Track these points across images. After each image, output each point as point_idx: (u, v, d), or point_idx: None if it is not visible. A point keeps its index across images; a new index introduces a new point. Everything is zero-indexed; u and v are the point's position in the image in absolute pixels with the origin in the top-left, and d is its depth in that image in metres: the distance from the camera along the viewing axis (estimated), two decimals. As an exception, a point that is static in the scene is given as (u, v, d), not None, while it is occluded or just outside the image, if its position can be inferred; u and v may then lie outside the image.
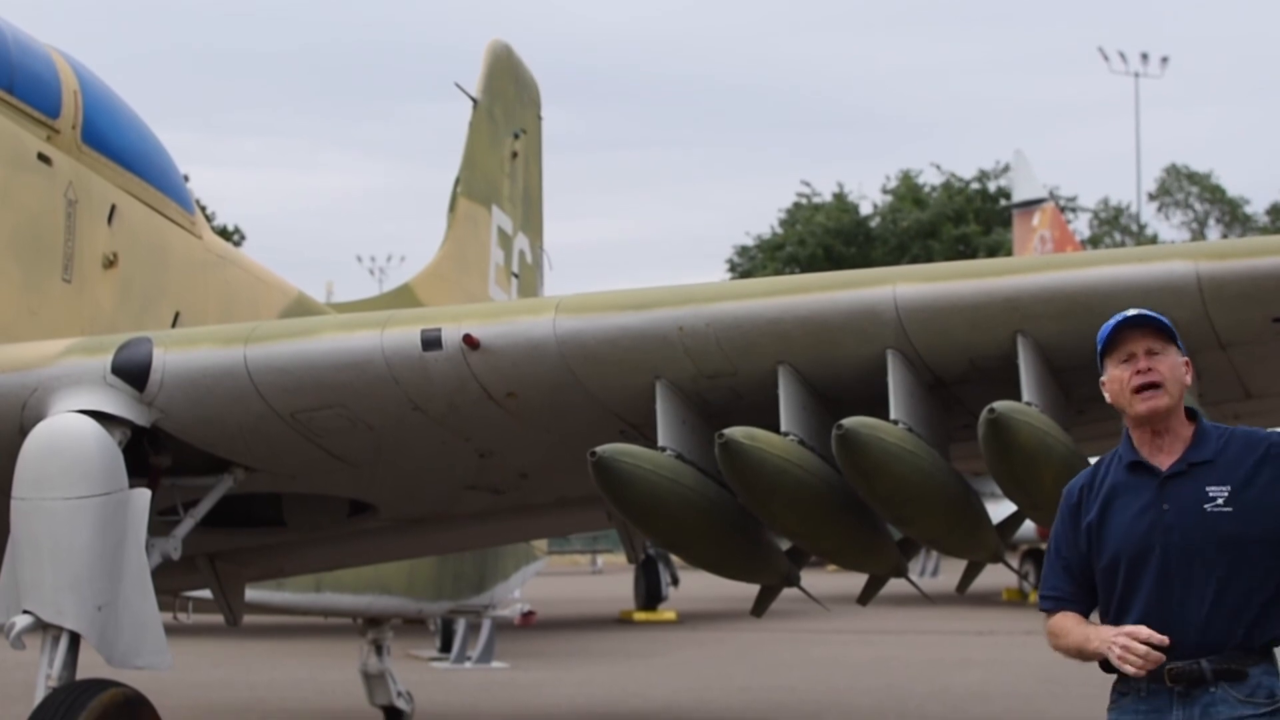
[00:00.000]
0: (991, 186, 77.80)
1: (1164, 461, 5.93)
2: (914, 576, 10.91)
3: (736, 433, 8.60)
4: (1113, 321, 6.00)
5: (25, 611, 8.98)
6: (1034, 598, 36.83)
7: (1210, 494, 5.83)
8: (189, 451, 9.80)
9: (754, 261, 77.34)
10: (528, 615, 27.99)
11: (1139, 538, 5.86)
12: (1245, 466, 5.87)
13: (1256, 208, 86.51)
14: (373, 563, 14.47)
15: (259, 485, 10.48)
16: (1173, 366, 5.94)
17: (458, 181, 16.97)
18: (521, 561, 18.19)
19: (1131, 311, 6.01)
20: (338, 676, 21.26)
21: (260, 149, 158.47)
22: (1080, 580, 6.05)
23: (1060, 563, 6.11)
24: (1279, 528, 5.82)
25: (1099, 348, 6.03)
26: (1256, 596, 5.79)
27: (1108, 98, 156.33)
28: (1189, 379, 6.02)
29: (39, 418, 9.29)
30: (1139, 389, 5.90)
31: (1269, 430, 6.18)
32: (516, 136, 17.97)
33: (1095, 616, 6.08)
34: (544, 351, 9.17)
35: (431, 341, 9.20)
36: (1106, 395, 6.07)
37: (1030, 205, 56.21)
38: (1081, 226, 79.08)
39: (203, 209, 13.27)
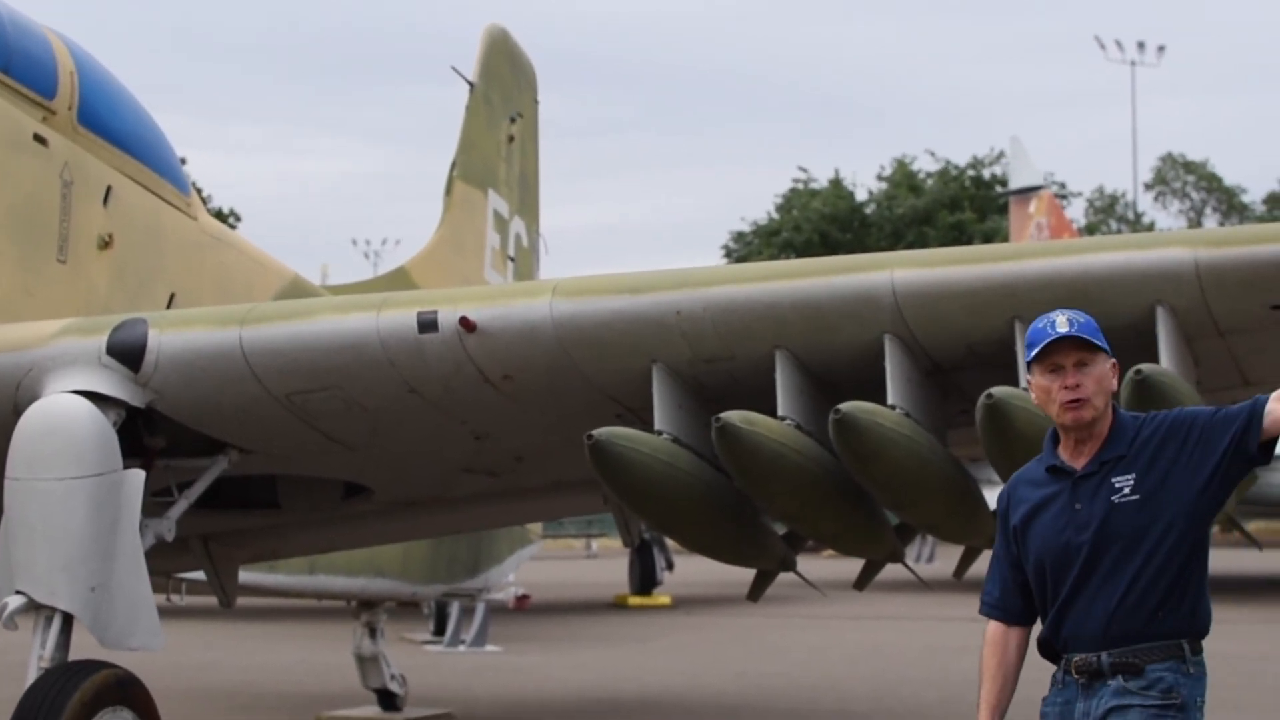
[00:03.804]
0: (987, 174, 77.79)
1: (1081, 462, 5.97)
2: (910, 562, 10.91)
3: (733, 417, 8.59)
4: (1043, 334, 5.96)
5: (18, 592, 8.99)
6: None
7: (1117, 485, 5.87)
8: (184, 433, 9.80)
9: (750, 247, 77.31)
10: (522, 599, 27.99)
11: (1055, 539, 5.92)
12: (1150, 450, 5.91)
13: (1253, 196, 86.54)
14: (367, 545, 14.46)
15: (253, 467, 10.48)
16: (1099, 377, 5.96)
17: (454, 165, 16.94)
18: (516, 545, 18.17)
19: (1060, 324, 5.95)
20: (331, 659, 21.25)
21: (256, 132, 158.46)
22: (1013, 584, 6.12)
23: (996, 566, 6.20)
24: (1182, 510, 5.84)
25: (1028, 354, 6.04)
26: (1160, 585, 5.81)
27: (1104, 86, 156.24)
28: (1115, 383, 6.04)
29: (34, 398, 9.29)
30: (1066, 403, 5.93)
31: (1178, 409, 6.19)
32: (513, 120, 17.94)
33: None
34: (540, 334, 9.16)
35: (428, 324, 9.19)
36: (1032, 397, 6.14)
37: (1027, 192, 56.27)
38: (1075, 214, 79.08)
39: (199, 191, 13.24)
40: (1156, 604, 5.82)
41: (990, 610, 6.18)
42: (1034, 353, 5.99)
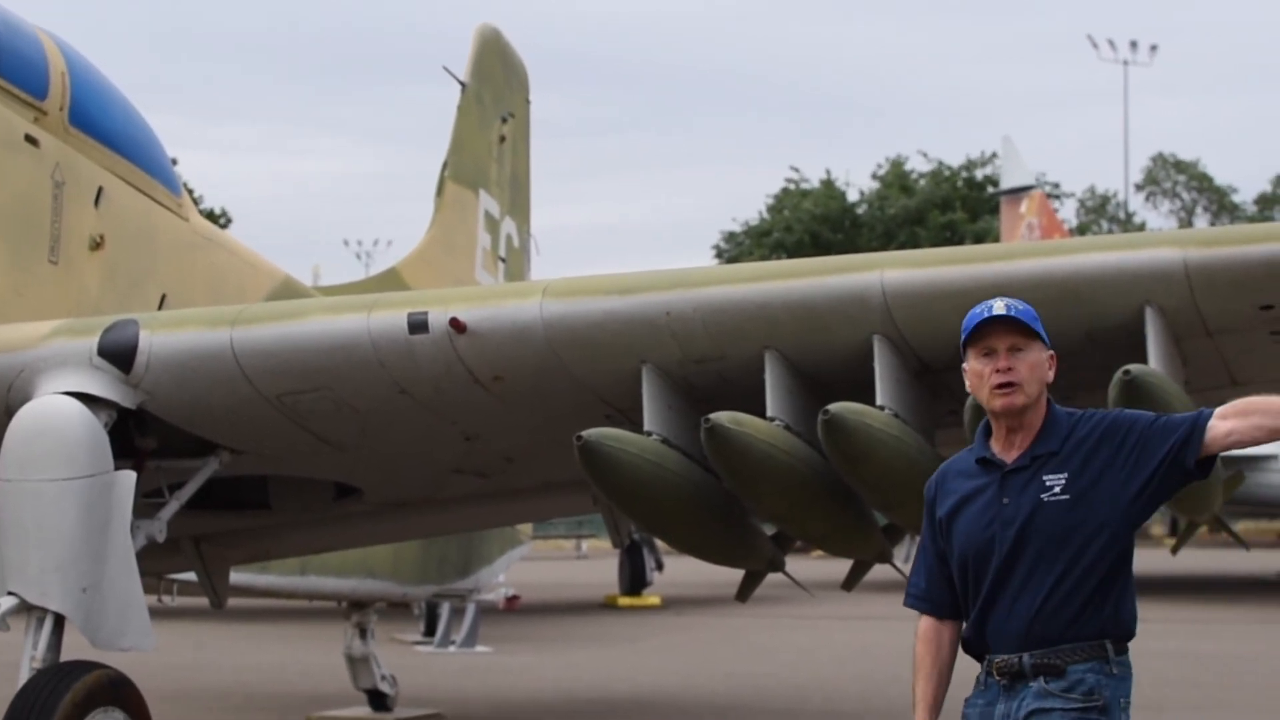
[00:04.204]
0: (979, 174, 77.85)
1: (1012, 455, 5.87)
2: (899, 562, 10.92)
3: (722, 417, 8.61)
4: (978, 316, 5.89)
5: (10, 593, 9.01)
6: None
7: (1048, 483, 5.77)
8: (175, 434, 9.81)
9: (741, 247, 77.31)
10: (512, 599, 28.02)
11: (981, 533, 5.80)
12: (1084, 450, 5.81)
13: (1244, 196, 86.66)
14: (358, 546, 14.47)
15: (245, 468, 10.49)
16: (1034, 365, 5.86)
17: (445, 165, 16.95)
18: (506, 545, 18.19)
19: (998, 307, 5.87)
20: (322, 660, 21.25)
21: (248, 133, 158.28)
22: (941, 576, 6.00)
23: (924, 559, 6.08)
24: (1111, 514, 5.75)
25: (963, 336, 5.94)
26: (1085, 587, 5.72)
27: (1096, 86, 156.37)
28: (1051, 374, 5.93)
29: (25, 399, 9.30)
30: (997, 386, 5.84)
31: (1118, 410, 6.12)
32: (504, 120, 17.95)
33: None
34: (530, 335, 9.17)
35: (418, 325, 9.20)
36: (966, 383, 6.00)
37: (1018, 192, 56.25)
38: (1067, 214, 79.16)
39: (190, 192, 13.24)
40: (1081, 606, 5.71)
41: (916, 602, 6.06)
42: (967, 334, 5.90)
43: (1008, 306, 5.87)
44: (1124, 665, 5.79)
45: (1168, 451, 5.79)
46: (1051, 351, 5.95)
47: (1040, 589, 5.71)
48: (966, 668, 6.06)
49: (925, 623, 6.05)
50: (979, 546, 5.81)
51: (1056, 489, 5.76)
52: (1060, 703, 5.67)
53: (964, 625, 5.95)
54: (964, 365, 5.98)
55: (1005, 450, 5.89)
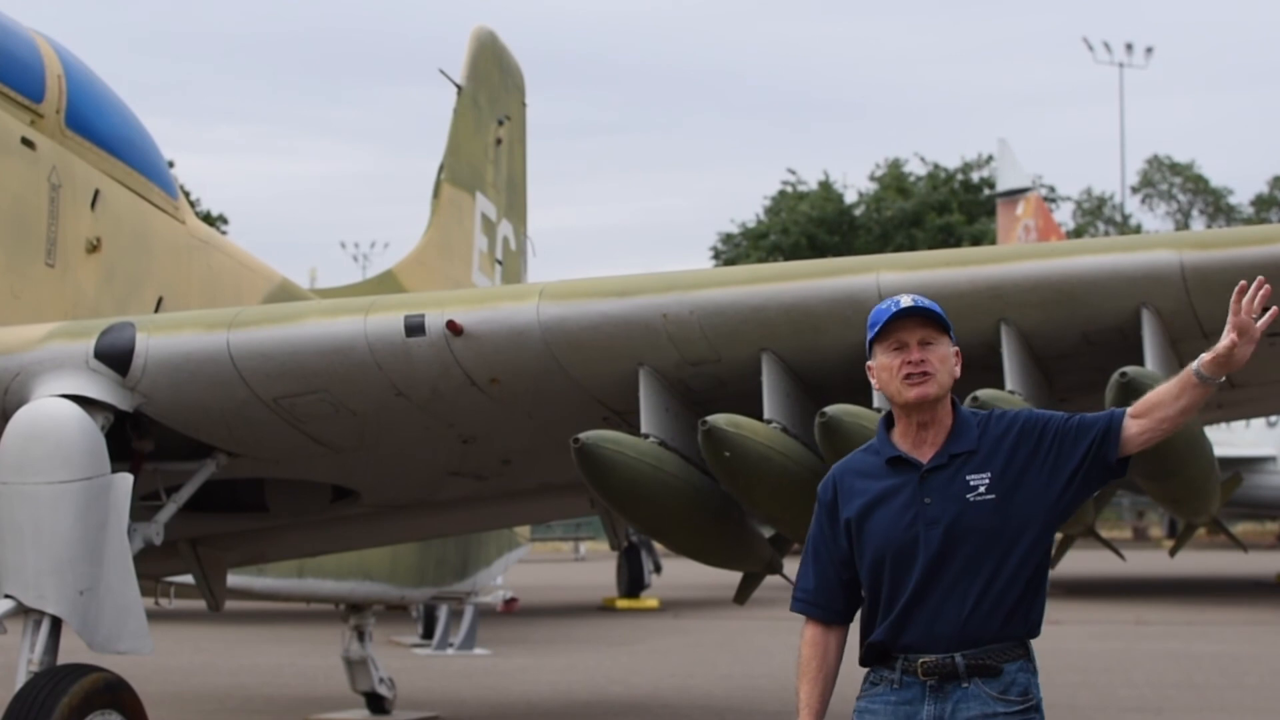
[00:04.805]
0: (975, 177, 77.88)
1: (925, 454, 5.80)
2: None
3: (720, 419, 8.60)
4: (887, 311, 5.84)
5: (7, 596, 9.00)
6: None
7: (972, 483, 5.72)
8: (172, 436, 9.80)
9: (738, 249, 77.32)
10: (510, 602, 28.02)
11: (902, 534, 5.72)
12: (1003, 450, 5.77)
13: (1240, 198, 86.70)
14: (355, 548, 14.48)
15: (242, 470, 10.49)
16: (944, 358, 5.80)
17: (442, 168, 16.95)
18: (504, 548, 18.19)
19: (906, 300, 5.84)
20: (320, 663, 21.26)
21: (244, 135, 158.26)
22: (836, 581, 5.94)
23: (815, 563, 5.98)
24: (1037, 513, 5.74)
25: (870, 333, 5.89)
26: (1015, 587, 5.70)
27: (1092, 88, 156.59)
28: (959, 370, 5.88)
29: (21, 402, 9.29)
30: (909, 376, 5.78)
31: (1020, 409, 6.10)
32: (501, 123, 17.95)
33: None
34: (528, 338, 9.17)
35: (415, 327, 9.20)
36: (873, 381, 5.92)
37: (1014, 195, 56.24)
38: (1063, 217, 79.20)
39: (186, 195, 13.24)
40: (1013, 605, 5.69)
41: (808, 608, 5.99)
42: (876, 330, 5.85)
43: (915, 300, 5.85)
44: (1035, 663, 5.83)
45: (1088, 449, 5.79)
46: (957, 348, 5.91)
47: (972, 589, 5.67)
48: (850, 669, 6.01)
49: (813, 627, 5.99)
50: (899, 547, 5.73)
51: (981, 489, 5.72)
52: (1003, 707, 5.66)
53: (875, 627, 5.85)
54: (870, 363, 5.92)
55: (916, 449, 5.83)
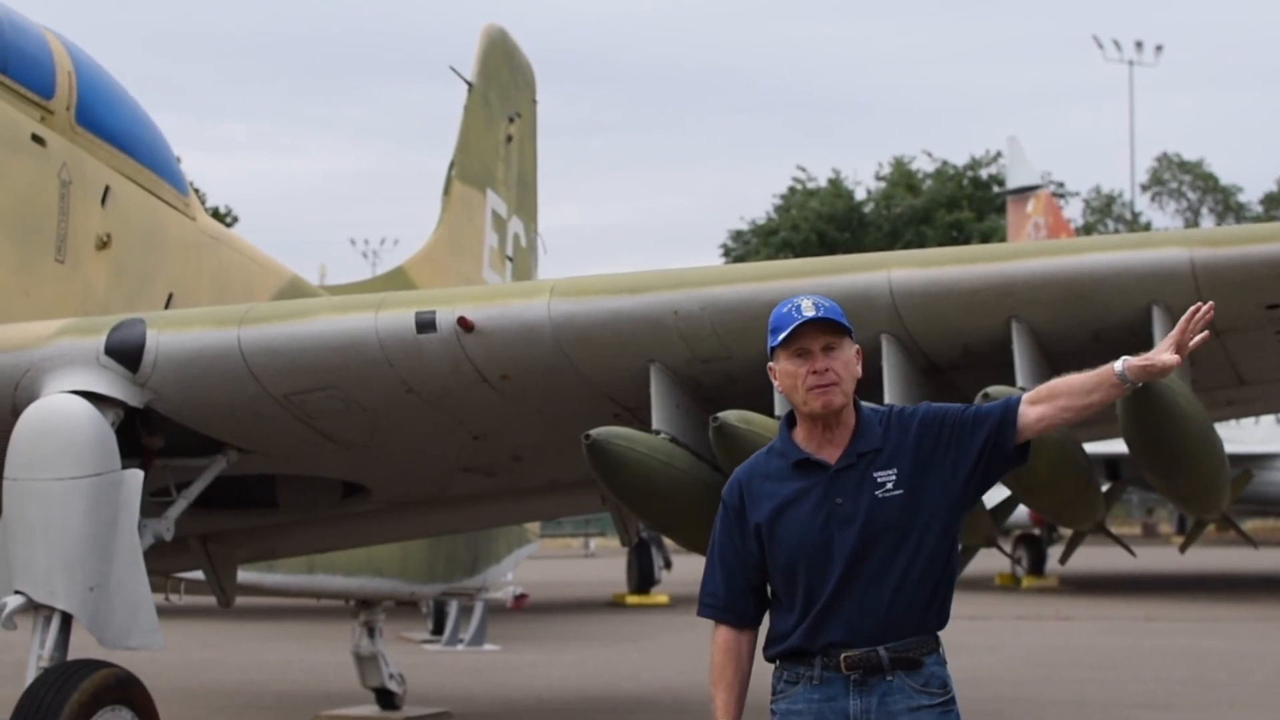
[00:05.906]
0: (984, 174, 77.84)
1: (832, 455, 5.82)
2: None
3: (730, 416, 8.59)
4: (790, 319, 5.81)
5: (17, 592, 9.00)
6: (1027, 583, 36.63)
7: (880, 480, 5.75)
8: (182, 432, 9.81)
9: (748, 246, 77.40)
10: (520, 598, 28.00)
11: (816, 535, 5.73)
12: (908, 446, 5.80)
13: (1250, 196, 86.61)
14: (365, 545, 14.48)
15: (252, 466, 10.49)
16: (846, 362, 5.82)
17: (452, 165, 16.96)
18: (514, 544, 18.19)
19: (807, 307, 5.81)
20: (330, 658, 21.28)
21: (254, 131, 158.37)
22: (744, 585, 5.93)
23: (723, 568, 5.96)
24: (944, 505, 5.79)
25: (772, 339, 5.87)
26: (929, 578, 5.75)
27: (1101, 86, 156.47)
28: (859, 370, 5.90)
29: (32, 398, 9.29)
30: (814, 388, 5.78)
31: (924, 403, 6.09)
32: (511, 120, 17.96)
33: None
34: (538, 334, 9.16)
35: (426, 324, 9.19)
36: (776, 384, 5.91)
37: (1024, 192, 56.18)
38: (1072, 214, 79.10)
39: (196, 191, 13.25)
40: (929, 598, 5.75)
41: (719, 614, 5.96)
42: (780, 338, 5.82)
43: (816, 306, 5.83)
44: (944, 656, 5.87)
45: (986, 438, 5.83)
46: (859, 346, 5.93)
47: (889, 584, 5.70)
48: (762, 670, 5.99)
49: (724, 633, 5.96)
50: (814, 549, 5.74)
51: (889, 485, 5.75)
52: (926, 700, 5.71)
53: (790, 628, 5.82)
54: (771, 365, 5.91)
55: (822, 450, 5.85)
